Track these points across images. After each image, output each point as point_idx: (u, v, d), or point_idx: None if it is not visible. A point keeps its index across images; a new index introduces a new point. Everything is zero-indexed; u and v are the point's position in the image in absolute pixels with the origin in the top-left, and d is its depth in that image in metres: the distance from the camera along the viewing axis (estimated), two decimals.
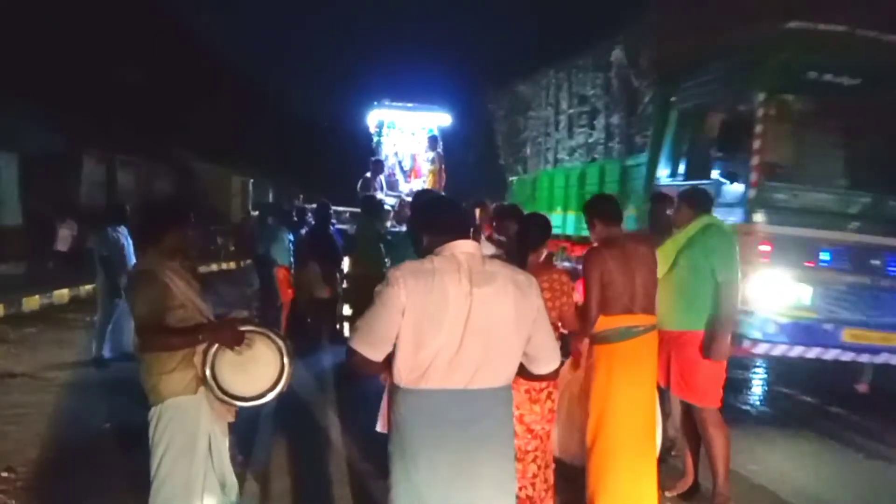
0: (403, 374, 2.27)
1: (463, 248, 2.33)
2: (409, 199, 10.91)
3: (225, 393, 2.92)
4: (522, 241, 3.77)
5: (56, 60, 18.14)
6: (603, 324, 3.87)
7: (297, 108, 35.90)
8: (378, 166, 10.89)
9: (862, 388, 6.06)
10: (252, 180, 31.38)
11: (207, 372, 2.89)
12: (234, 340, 2.92)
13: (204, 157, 26.20)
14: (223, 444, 3.18)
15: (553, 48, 13.83)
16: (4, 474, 4.54)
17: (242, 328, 2.97)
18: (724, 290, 4.12)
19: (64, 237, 13.57)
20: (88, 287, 13.16)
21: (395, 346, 2.26)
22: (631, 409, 3.81)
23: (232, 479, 3.24)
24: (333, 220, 9.38)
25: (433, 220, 2.46)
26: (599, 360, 3.89)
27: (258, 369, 2.93)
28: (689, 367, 4.20)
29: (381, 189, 10.64)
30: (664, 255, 4.20)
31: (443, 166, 11.34)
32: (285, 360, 2.96)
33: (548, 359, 2.46)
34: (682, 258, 4.24)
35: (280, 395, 3.02)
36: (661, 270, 4.07)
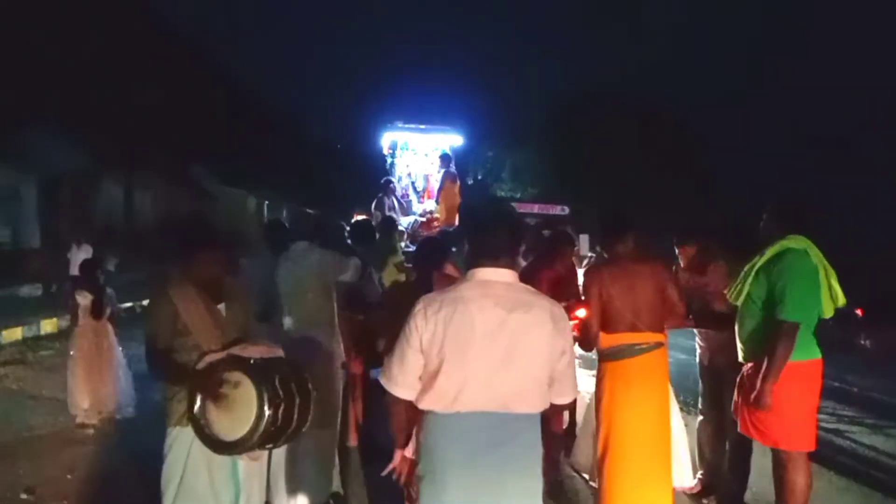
0: (434, 399, 2.30)
1: (496, 276, 2.33)
2: (423, 219, 10.97)
3: (209, 436, 2.73)
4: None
5: (75, 83, 18.40)
6: (608, 341, 3.89)
7: (312, 130, 36.25)
8: (388, 187, 10.91)
9: None
10: (267, 202, 31.59)
11: (196, 409, 2.74)
12: (209, 392, 2.73)
13: (220, 178, 26.43)
14: (248, 472, 3.05)
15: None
16: (24, 496, 4.57)
17: (229, 371, 2.74)
18: (779, 331, 3.54)
19: (78, 261, 13.66)
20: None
21: (423, 375, 2.31)
22: (639, 427, 3.79)
23: None
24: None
25: (476, 238, 2.41)
26: (605, 377, 3.91)
27: (241, 414, 2.67)
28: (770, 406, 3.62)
29: (394, 209, 10.69)
30: (742, 277, 3.79)
31: (458, 184, 11.29)
32: (265, 406, 2.63)
33: (568, 390, 2.45)
34: (753, 284, 3.73)
35: (259, 445, 2.72)
36: (737, 294, 3.80)
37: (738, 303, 3.81)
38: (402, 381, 2.36)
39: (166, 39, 24.27)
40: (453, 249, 4.02)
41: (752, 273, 3.72)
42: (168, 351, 2.95)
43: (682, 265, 4.67)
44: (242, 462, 2.97)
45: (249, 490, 3.07)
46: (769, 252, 3.68)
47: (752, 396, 3.60)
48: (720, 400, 4.51)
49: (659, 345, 3.90)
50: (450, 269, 3.69)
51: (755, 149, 27.70)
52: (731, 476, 4.44)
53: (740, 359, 3.81)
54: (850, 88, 28.51)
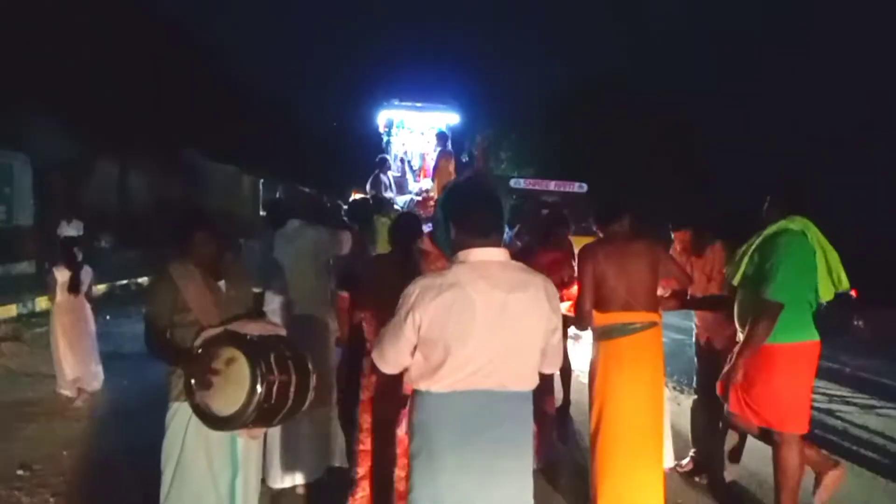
0: (430, 379, 2.30)
1: (489, 255, 2.32)
2: (419, 198, 10.94)
3: (205, 412, 2.73)
4: None
5: (69, 64, 18.26)
6: (602, 320, 3.89)
7: (308, 109, 36.09)
8: (383, 164, 10.86)
9: None
10: (262, 180, 31.46)
11: (191, 390, 2.76)
12: (199, 378, 2.73)
13: (214, 156, 26.29)
14: (245, 450, 3.05)
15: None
16: (20, 472, 4.59)
17: (224, 348, 2.74)
18: (762, 309, 3.57)
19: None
20: (101, 287, 13.29)
21: (419, 357, 2.31)
22: (631, 406, 3.81)
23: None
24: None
25: (464, 218, 2.37)
26: (599, 355, 3.92)
27: (234, 390, 2.67)
28: (756, 385, 3.67)
29: (390, 187, 10.65)
30: (738, 258, 3.81)
31: (453, 163, 11.26)
32: (257, 383, 2.62)
33: (556, 362, 2.51)
34: (749, 264, 3.74)
35: (253, 422, 2.70)
36: (734, 275, 3.81)
37: (736, 282, 3.81)
38: (393, 360, 2.38)
39: (159, 19, 24.06)
40: (429, 226, 4.09)
41: (749, 253, 3.73)
42: (168, 328, 2.99)
43: (677, 249, 4.67)
44: (241, 440, 2.98)
45: (247, 469, 3.07)
46: (765, 232, 3.69)
47: (724, 370, 3.68)
48: (715, 380, 4.54)
49: (653, 324, 3.90)
50: (426, 244, 3.73)
51: (755, 148, 27.62)
52: (724, 455, 4.47)
53: (738, 338, 3.81)
54: (850, 87, 28.42)
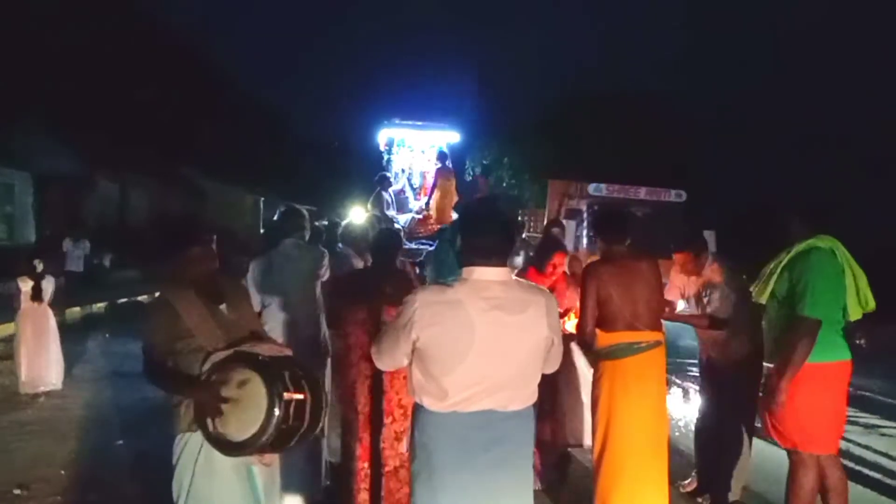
0: (430, 398, 2.30)
1: (491, 275, 2.33)
2: (419, 216, 10.94)
3: (219, 439, 2.61)
4: None
5: (71, 82, 18.38)
6: (606, 340, 3.88)
7: (309, 127, 36.28)
8: (384, 181, 10.87)
9: None
10: (263, 199, 31.54)
11: (203, 419, 2.64)
12: (209, 406, 2.61)
13: (215, 175, 26.38)
14: (266, 481, 2.89)
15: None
16: (17, 491, 4.56)
17: (236, 370, 2.64)
18: (800, 327, 3.45)
19: (77, 257, 13.68)
20: (101, 304, 13.29)
21: (417, 372, 2.33)
22: (636, 426, 3.78)
23: None
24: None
25: (472, 239, 2.40)
26: (604, 376, 3.89)
27: (250, 413, 2.56)
28: (783, 406, 3.51)
29: (392, 205, 10.65)
30: (765, 276, 3.71)
31: (454, 181, 11.22)
32: (274, 408, 2.52)
33: (555, 364, 2.54)
34: (778, 282, 3.64)
35: (270, 445, 2.59)
36: (761, 292, 3.72)
37: (763, 301, 3.73)
38: (389, 361, 2.46)
39: (163, 39, 24.24)
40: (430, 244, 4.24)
41: (777, 271, 3.65)
42: (170, 356, 2.77)
43: (677, 270, 4.66)
44: (257, 469, 2.83)
45: (271, 499, 2.91)
46: (794, 250, 3.61)
47: (769, 394, 3.52)
48: (717, 397, 4.52)
49: (657, 343, 3.89)
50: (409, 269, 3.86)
51: (754, 152, 27.65)
52: (728, 474, 4.44)
53: (766, 362, 3.72)
54: (858, 90, 28.49)
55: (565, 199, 11.78)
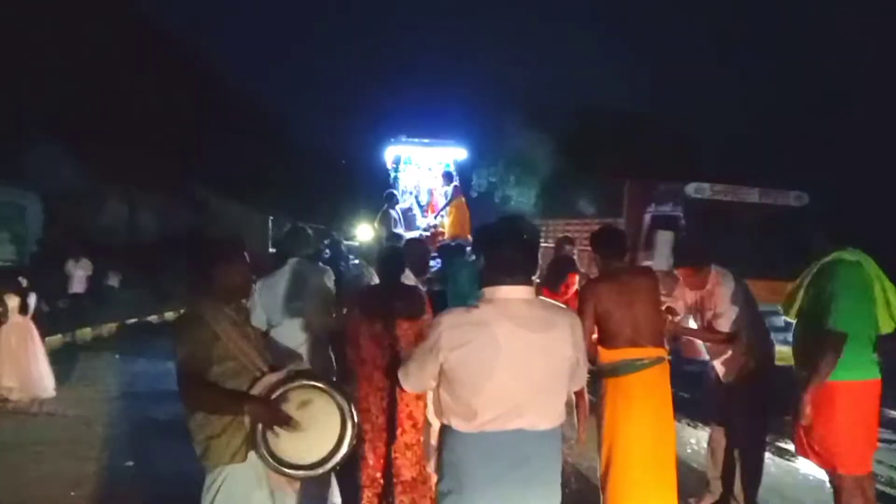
0: (459, 420, 2.30)
1: (515, 294, 2.32)
2: (427, 234, 10.94)
3: (280, 462, 2.59)
4: None
5: (80, 101, 18.53)
6: (609, 357, 3.86)
7: (316, 145, 36.41)
8: (391, 199, 10.88)
9: None
10: (272, 217, 31.63)
11: (258, 441, 2.59)
12: (274, 422, 2.58)
13: (225, 194, 26.50)
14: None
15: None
16: None
17: (297, 385, 2.64)
18: (826, 341, 3.40)
19: (79, 278, 13.59)
20: (112, 325, 13.31)
21: (445, 394, 2.33)
22: (642, 443, 3.75)
23: None
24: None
25: (494, 255, 2.37)
26: (607, 393, 3.87)
27: (316, 433, 2.58)
28: (817, 425, 3.48)
29: (399, 222, 10.66)
30: (793, 291, 3.68)
31: (463, 200, 11.15)
32: (348, 421, 2.60)
33: (580, 381, 2.54)
34: (805, 298, 3.60)
35: (343, 461, 2.67)
36: (789, 308, 3.69)
37: (792, 317, 3.69)
38: (416, 383, 2.49)
39: (173, 58, 24.45)
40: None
41: (804, 286, 3.60)
42: (211, 375, 2.64)
43: (680, 284, 4.64)
44: (280, 494, 2.75)
45: None
46: (820, 262, 3.55)
47: (797, 410, 3.47)
48: (728, 412, 4.47)
49: (660, 359, 3.87)
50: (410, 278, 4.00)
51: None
52: (740, 490, 4.39)
53: (795, 376, 3.64)
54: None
55: (652, 203, 9.71)
